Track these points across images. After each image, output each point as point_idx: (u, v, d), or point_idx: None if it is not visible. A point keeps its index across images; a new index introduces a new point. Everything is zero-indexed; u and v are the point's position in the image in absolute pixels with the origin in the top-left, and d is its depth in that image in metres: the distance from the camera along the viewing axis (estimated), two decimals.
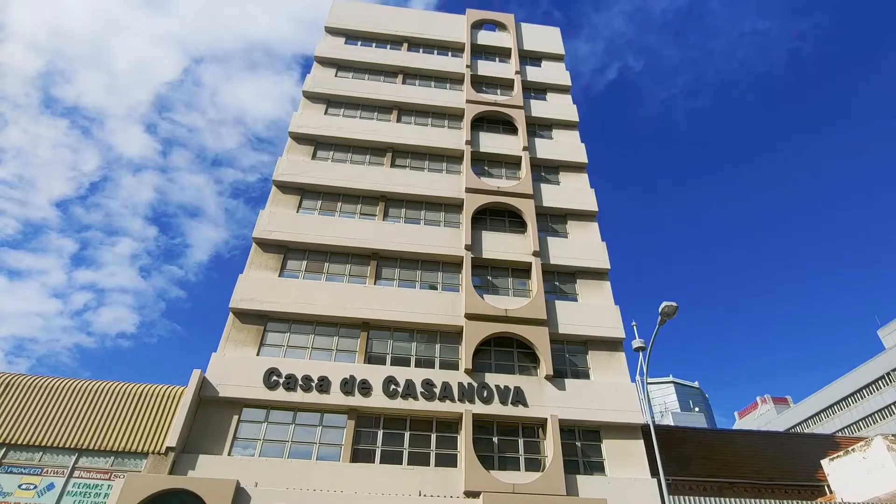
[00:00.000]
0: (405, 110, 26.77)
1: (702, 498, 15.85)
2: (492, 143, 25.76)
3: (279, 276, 19.95)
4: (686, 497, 15.70)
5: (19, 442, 15.03)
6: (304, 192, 22.64)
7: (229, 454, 15.82)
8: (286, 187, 22.52)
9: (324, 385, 17.08)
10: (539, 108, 28.02)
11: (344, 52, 28.51)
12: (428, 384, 17.61)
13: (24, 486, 14.47)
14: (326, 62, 28.04)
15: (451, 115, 26.92)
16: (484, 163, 25.34)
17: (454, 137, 25.59)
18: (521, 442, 17.53)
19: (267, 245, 20.61)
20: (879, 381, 56.76)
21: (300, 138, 24.41)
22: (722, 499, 15.97)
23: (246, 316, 18.63)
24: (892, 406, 54.81)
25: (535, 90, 29.41)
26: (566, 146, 26.56)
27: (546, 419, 17.53)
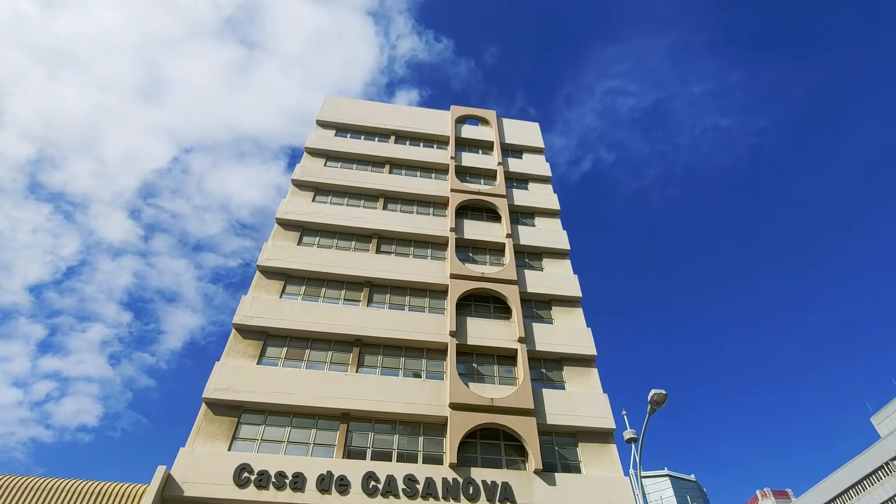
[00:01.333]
0: (391, 198, 27.44)
1: None
2: (476, 230, 26.26)
3: (258, 363, 19.30)
4: None
5: None
6: (289, 277, 22.52)
7: None
8: (270, 272, 22.41)
9: (298, 482, 15.97)
10: (521, 197, 28.92)
11: (333, 144, 29.64)
12: (410, 480, 16.57)
13: None
14: (316, 153, 29.04)
15: (435, 204, 27.61)
16: (468, 249, 25.66)
17: (439, 225, 26.07)
18: None
19: (247, 331, 20.11)
20: (879, 472, 54.99)
21: (287, 224, 24.68)
22: None
23: (219, 407, 17.76)
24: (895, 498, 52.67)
25: (517, 180, 30.52)
26: (548, 233, 27.15)
27: None
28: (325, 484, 16.05)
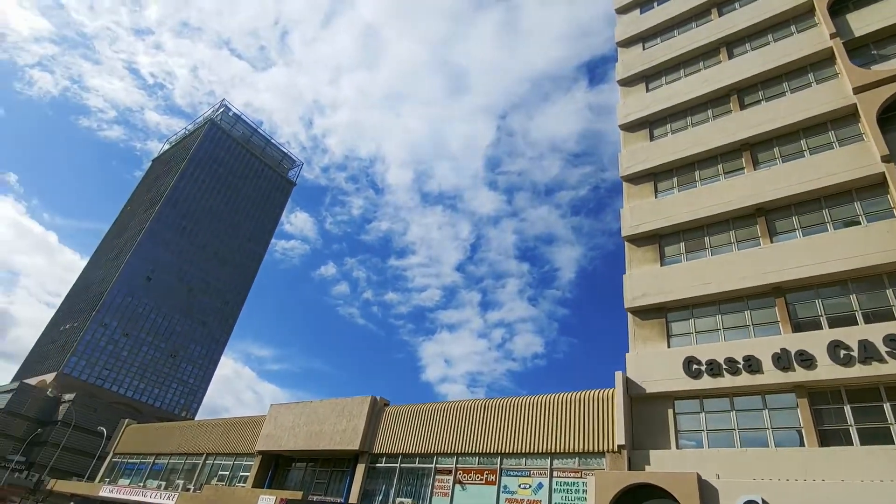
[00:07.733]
0: (735, 41, 23.20)
1: None
2: (868, 18, 19.61)
3: (661, 265, 19.63)
4: None
5: (508, 451, 18.90)
6: (655, 175, 21.93)
7: (677, 447, 15.99)
8: (635, 178, 22.30)
9: (752, 364, 15.59)
10: None
11: (642, 22, 26.99)
12: (893, 340, 13.97)
13: (522, 486, 18.03)
14: (629, 42, 27.06)
15: (795, 16, 21.89)
16: (868, 48, 19.44)
17: (811, 39, 20.61)
18: None
19: (638, 240, 20.66)
20: None
21: (631, 126, 23.98)
22: None
23: (643, 312, 18.91)
24: None
25: None
26: None
27: None
28: (783, 362, 15.17)
